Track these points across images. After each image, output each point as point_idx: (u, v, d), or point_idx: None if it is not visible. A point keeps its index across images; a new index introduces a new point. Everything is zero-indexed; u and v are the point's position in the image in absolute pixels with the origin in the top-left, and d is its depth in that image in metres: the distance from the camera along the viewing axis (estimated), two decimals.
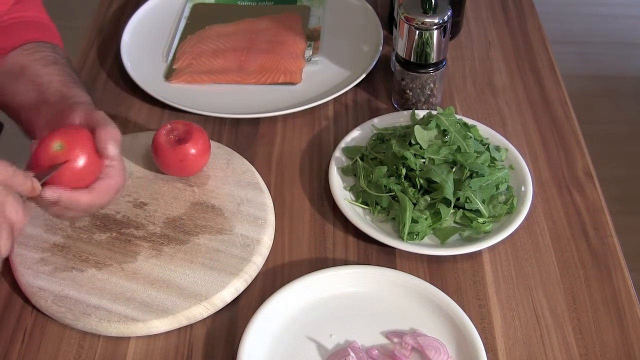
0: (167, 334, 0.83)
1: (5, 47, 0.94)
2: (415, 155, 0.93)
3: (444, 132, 0.95)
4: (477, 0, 1.32)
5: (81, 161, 0.76)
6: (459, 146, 0.93)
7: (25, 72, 0.91)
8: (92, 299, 0.83)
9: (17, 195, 0.70)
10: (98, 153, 0.79)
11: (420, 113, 1.03)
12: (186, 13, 1.28)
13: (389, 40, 1.21)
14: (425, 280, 0.86)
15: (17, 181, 0.70)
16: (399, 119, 1.05)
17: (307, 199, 0.97)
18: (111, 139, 0.79)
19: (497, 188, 0.93)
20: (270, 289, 0.86)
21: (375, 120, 1.05)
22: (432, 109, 1.05)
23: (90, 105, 0.86)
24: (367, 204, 0.94)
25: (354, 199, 0.95)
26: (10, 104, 0.91)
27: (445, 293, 0.84)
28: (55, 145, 0.76)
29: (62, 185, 0.76)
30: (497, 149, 0.99)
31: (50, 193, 0.74)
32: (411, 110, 1.05)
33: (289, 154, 1.04)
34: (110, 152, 0.79)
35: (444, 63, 1.05)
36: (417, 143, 0.94)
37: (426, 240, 0.91)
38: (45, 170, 0.75)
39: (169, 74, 1.15)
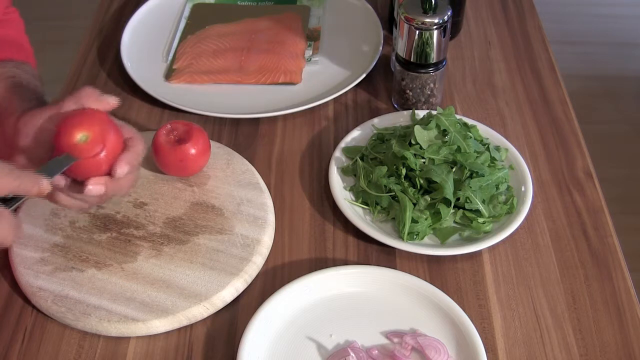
0: (167, 334, 0.83)
1: None
2: (415, 155, 0.93)
3: (444, 132, 0.95)
4: (477, 0, 1.32)
5: (107, 150, 0.77)
6: (459, 146, 0.93)
7: None
8: (92, 299, 0.83)
9: (11, 217, 0.70)
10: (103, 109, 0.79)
11: (420, 113, 1.03)
12: (186, 13, 1.28)
13: (389, 40, 1.21)
14: (425, 280, 0.86)
15: (23, 189, 0.70)
16: (399, 119, 1.05)
17: (307, 199, 0.97)
18: (100, 96, 0.80)
19: (497, 188, 0.93)
20: (270, 289, 0.86)
21: (375, 120, 1.05)
22: (432, 109, 1.05)
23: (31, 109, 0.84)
24: (367, 204, 0.94)
25: (354, 199, 0.95)
26: None
27: (445, 293, 0.84)
28: (80, 136, 0.75)
29: (89, 173, 0.76)
30: (497, 149, 0.99)
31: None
32: (411, 110, 1.05)
33: (289, 154, 1.04)
34: (110, 102, 0.80)
35: (444, 63, 1.05)
36: (417, 143, 0.94)
37: (426, 240, 0.91)
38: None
39: (169, 74, 1.15)
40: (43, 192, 0.72)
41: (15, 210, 0.71)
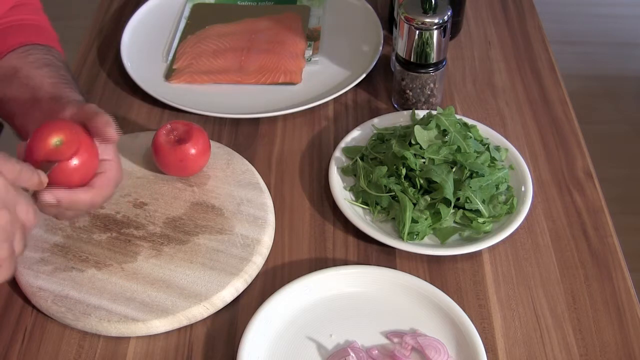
0: (167, 334, 0.83)
1: (1, 51, 0.94)
2: (415, 155, 0.93)
3: (444, 132, 0.95)
4: (477, 0, 1.32)
5: (82, 158, 0.76)
6: (459, 146, 0.93)
7: (18, 74, 0.90)
8: (92, 299, 0.83)
9: (29, 196, 0.70)
10: (98, 139, 0.78)
11: (420, 113, 1.03)
12: (186, 13, 1.28)
13: (389, 40, 1.21)
14: (425, 280, 0.86)
15: (24, 177, 0.70)
16: (399, 119, 1.05)
17: (307, 199, 0.97)
18: (108, 124, 0.78)
19: (497, 188, 0.93)
20: (270, 289, 0.86)
21: (375, 120, 1.05)
22: (432, 109, 1.05)
23: (81, 102, 0.86)
24: (367, 204, 0.94)
25: (354, 199, 0.95)
26: (4, 107, 0.91)
27: (445, 293, 0.84)
28: (55, 140, 0.75)
29: (61, 182, 0.75)
30: (497, 149, 0.99)
31: (49, 196, 0.74)
32: (411, 110, 1.05)
33: (289, 154, 1.04)
34: (111, 134, 0.78)
35: (444, 63, 1.05)
36: (417, 143, 0.94)
37: (426, 240, 0.91)
38: (45, 164, 0.74)
39: (169, 74, 1.15)
40: (42, 184, 0.72)
41: None
